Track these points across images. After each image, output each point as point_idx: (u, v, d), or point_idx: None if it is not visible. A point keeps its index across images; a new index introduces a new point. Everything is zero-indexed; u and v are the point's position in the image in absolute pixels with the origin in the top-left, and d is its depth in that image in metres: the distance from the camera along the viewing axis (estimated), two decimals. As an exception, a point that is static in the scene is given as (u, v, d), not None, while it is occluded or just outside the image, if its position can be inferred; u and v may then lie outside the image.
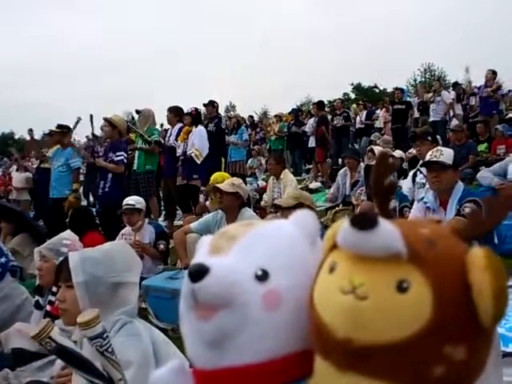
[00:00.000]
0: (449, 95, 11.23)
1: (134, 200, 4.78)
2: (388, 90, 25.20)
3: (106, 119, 6.19)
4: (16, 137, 45.14)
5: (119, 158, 5.95)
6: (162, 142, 7.15)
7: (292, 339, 0.87)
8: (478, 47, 52.65)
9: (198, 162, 6.56)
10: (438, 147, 3.81)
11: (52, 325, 1.33)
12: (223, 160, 8.07)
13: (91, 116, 6.26)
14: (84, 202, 10.34)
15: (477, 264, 0.70)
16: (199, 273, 0.83)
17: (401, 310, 0.70)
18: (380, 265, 0.72)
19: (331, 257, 0.81)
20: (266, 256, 0.89)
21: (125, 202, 4.75)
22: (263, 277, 0.86)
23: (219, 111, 8.74)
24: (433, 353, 0.70)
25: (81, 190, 12.04)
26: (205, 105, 8.25)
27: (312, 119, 11.88)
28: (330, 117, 11.72)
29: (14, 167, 11.98)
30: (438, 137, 7.84)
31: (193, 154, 6.54)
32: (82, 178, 12.29)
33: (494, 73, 10.84)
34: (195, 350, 0.90)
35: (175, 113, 7.17)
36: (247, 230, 0.94)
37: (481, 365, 0.75)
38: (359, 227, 0.70)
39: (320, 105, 11.47)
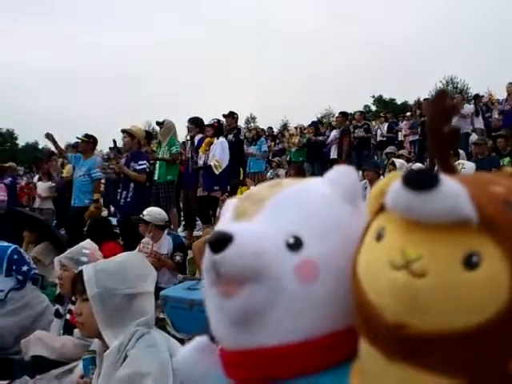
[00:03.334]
0: (470, 108, 11.07)
1: (146, 211, 4.78)
2: (409, 103, 24.99)
3: (124, 131, 6.22)
4: (40, 146, 45.96)
5: (141, 167, 5.97)
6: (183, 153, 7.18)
7: (332, 316, 0.75)
8: (501, 60, 51.93)
9: (217, 173, 6.58)
10: (460, 161, 3.78)
11: None
12: (242, 171, 8.09)
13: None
14: (105, 212, 10.43)
15: None
16: (220, 242, 0.72)
17: (470, 291, 0.56)
18: (442, 233, 0.57)
19: (378, 221, 0.67)
20: (298, 221, 0.77)
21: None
22: (296, 245, 0.75)
23: (239, 122, 8.79)
24: (511, 344, 0.57)
25: (101, 200, 12.19)
26: (225, 116, 8.30)
27: (335, 130, 11.85)
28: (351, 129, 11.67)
29: (37, 176, 12.12)
30: (462, 151, 7.75)
31: (212, 164, 6.57)
32: (102, 188, 12.43)
33: (516, 85, 10.62)
34: (219, 329, 0.80)
35: (196, 124, 7.21)
36: (276, 192, 0.82)
37: None
38: (415, 187, 0.56)
39: (344, 115, 11.49)
